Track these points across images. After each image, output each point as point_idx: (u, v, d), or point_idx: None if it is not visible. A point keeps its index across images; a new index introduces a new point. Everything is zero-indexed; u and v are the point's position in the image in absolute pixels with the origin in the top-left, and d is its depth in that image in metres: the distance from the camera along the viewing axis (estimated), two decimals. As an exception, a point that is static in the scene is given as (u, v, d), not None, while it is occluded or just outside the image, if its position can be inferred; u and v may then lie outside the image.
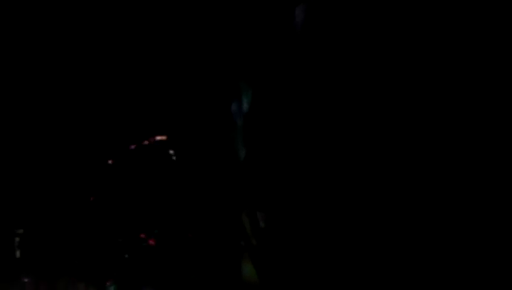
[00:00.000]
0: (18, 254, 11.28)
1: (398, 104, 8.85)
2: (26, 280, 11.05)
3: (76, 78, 12.05)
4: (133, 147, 11.77)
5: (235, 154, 7.35)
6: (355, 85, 7.93)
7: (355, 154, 7.72)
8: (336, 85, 7.55)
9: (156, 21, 12.11)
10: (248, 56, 7.33)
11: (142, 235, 11.56)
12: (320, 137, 7.47)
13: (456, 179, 13.56)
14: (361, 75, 8.02)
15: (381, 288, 7.66)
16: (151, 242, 11.26)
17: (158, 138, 11.56)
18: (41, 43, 12.20)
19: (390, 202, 8.22)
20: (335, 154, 7.61)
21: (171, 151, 11.67)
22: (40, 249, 11.46)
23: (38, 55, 12.22)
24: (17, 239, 11.35)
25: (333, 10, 7.63)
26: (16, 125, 11.64)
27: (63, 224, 11.70)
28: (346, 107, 7.93)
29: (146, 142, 11.70)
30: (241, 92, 7.37)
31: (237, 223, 7.40)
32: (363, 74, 8.09)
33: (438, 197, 13.38)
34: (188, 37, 10.94)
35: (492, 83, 13.30)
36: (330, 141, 7.45)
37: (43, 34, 12.19)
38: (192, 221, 10.36)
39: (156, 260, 11.12)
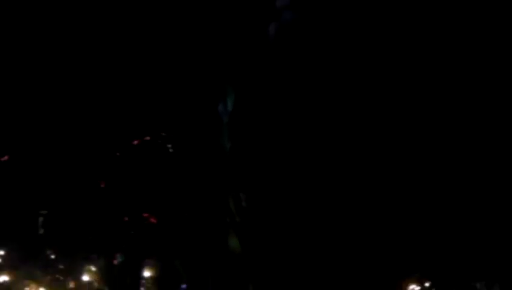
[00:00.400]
0: (42, 231, 11.82)
1: (373, 101, 9.03)
2: (48, 253, 11.65)
3: (93, 79, 12.56)
4: (136, 142, 12.09)
5: (222, 146, 7.81)
6: (321, 87, 8.10)
7: (324, 138, 7.91)
8: (303, 89, 7.84)
9: (157, 32, 11.80)
10: (232, 65, 7.92)
11: (145, 215, 11.89)
12: (293, 133, 7.67)
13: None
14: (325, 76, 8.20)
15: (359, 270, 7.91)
16: (153, 220, 11.76)
17: (159, 134, 12.50)
18: (56, 41, 12.20)
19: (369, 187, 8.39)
20: (304, 147, 7.71)
21: (169, 145, 12.50)
22: (61, 228, 11.85)
23: (55, 54, 12.26)
24: (40, 219, 11.92)
25: (299, 28, 7.75)
26: (42, 118, 12.01)
27: (79, 207, 11.97)
28: (313, 106, 8.05)
29: (148, 138, 12.15)
30: (226, 95, 7.81)
31: (224, 204, 7.86)
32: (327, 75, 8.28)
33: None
34: (182, 51, 11.04)
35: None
36: (300, 137, 7.67)
37: (57, 32, 12.15)
38: (187, 203, 10.64)
39: (157, 235, 11.64)
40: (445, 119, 12.47)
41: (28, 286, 11.28)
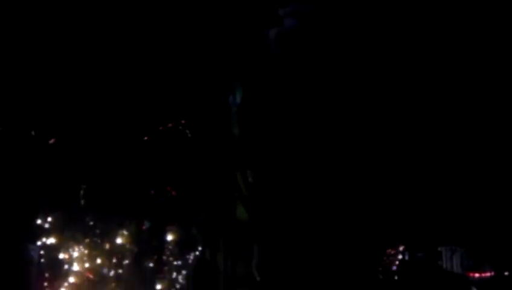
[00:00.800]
0: (83, 202, 12.08)
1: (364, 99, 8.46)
2: (88, 220, 11.90)
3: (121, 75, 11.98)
4: (161, 128, 12.32)
5: (231, 132, 8.08)
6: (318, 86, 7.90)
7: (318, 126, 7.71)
8: (300, 87, 7.78)
9: (173, 34, 11.55)
10: (239, 66, 8.14)
11: (168, 189, 12.23)
12: (291, 122, 7.74)
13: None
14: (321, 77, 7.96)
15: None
16: (174, 193, 12.13)
17: (180, 121, 12.12)
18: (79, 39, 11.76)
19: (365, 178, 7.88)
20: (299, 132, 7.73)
21: (188, 131, 11.95)
22: (98, 199, 12.07)
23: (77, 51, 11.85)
24: (82, 192, 12.20)
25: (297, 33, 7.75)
26: (85, 109, 12.02)
27: (114, 182, 12.18)
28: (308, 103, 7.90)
29: (170, 125, 12.16)
30: (235, 89, 8.14)
31: (233, 179, 8.01)
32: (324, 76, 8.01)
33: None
34: (200, 56, 10.62)
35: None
36: (297, 125, 7.68)
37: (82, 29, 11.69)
38: (202, 179, 10.34)
39: (177, 205, 11.94)
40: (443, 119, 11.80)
41: (71, 247, 11.56)
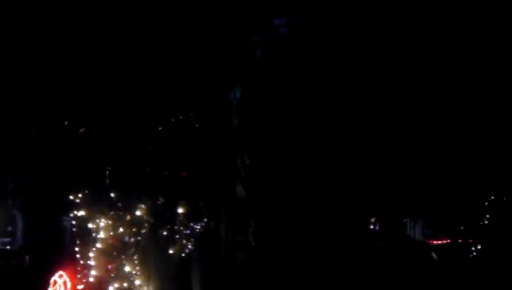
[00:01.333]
0: (108, 181, 12.28)
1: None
2: (112, 196, 11.77)
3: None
4: (173, 119, 12.60)
5: (232, 123, 7.74)
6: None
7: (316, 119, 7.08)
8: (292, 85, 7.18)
9: (182, 37, 11.92)
10: (238, 67, 7.79)
11: (179, 170, 12.25)
12: (285, 114, 7.12)
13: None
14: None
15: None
16: (184, 174, 12.24)
17: (189, 114, 12.32)
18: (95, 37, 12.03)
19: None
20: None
21: (195, 122, 12.32)
22: (121, 178, 12.12)
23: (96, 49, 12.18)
24: (107, 173, 12.39)
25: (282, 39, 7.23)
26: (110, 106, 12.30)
27: (134, 165, 12.25)
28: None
29: (181, 117, 12.47)
30: (235, 88, 7.74)
31: (233, 163, 7.67)
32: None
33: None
34: (206, 61, 11.24)
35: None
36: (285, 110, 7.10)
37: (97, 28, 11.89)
38: (208, 162, 10.58)
39: (187, 184, 11.99)
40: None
41: (98, 218, 11.55)
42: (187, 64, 11.93)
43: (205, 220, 10.42)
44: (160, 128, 12.75)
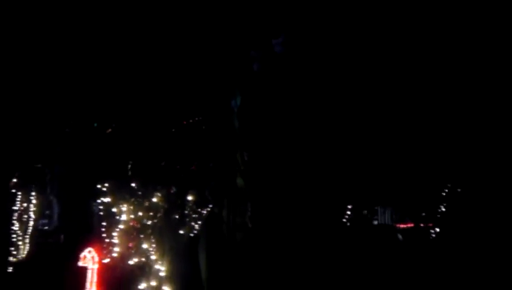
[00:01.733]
0: (129, 173, 12.78)
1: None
2: (133, 185, 11.98)
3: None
4: (184, 122, 13.30)
5: (233, 125, 7.63)
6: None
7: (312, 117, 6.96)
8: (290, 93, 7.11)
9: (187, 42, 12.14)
10: (239, 80, 7.66)
11: (189, 164, 12.85)
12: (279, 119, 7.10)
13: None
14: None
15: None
16: (193, 168, 12.83)
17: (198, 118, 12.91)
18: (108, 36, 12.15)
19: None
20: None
21: (202, 125, 12.91)
22: (140, 171, 12.50)
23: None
24: (129, 166, 12.96)
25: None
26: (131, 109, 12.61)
27: (151, 160, 12.79)
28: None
29: (191, 120, 13.04)
30: (236, 96, 7.62)
31: (234, 158, 7.55)
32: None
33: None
34: (210, 71, 11.61)
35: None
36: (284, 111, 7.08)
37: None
38: (212, 158, 9.66)
39: (195, 176, 12.42)
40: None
41: (121, 204, 11.75)
42: (197, 77, 12.37)
43: (210, 206, 9.85)
44: (173, 130, 13.46)
